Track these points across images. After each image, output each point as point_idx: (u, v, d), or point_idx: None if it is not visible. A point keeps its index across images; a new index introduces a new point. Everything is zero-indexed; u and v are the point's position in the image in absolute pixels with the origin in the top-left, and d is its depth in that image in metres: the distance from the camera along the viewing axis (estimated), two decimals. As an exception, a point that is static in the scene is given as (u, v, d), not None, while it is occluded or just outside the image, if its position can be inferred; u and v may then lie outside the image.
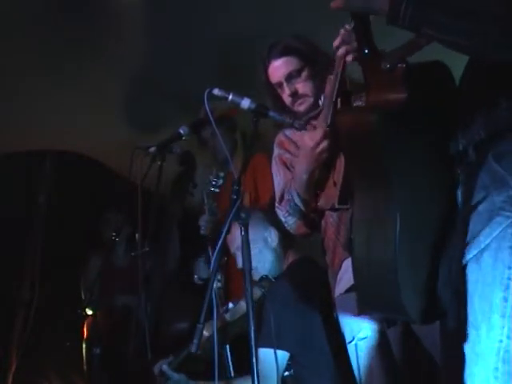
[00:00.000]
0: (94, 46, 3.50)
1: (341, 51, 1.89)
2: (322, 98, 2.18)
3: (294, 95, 2.22)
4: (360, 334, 2.08)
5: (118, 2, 3.31)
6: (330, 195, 1.97)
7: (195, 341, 1.76)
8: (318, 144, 1.99)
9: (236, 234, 2.62)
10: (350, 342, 2.12)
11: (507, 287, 1.40)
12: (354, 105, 1.94)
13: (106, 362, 3.55)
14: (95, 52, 3.54)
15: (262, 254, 2.65)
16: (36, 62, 3.57)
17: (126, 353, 3.01)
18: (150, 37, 3.48)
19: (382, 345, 2.05)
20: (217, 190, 3.05)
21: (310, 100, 2.24)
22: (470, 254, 1.45)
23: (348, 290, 2.05)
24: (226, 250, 2.70)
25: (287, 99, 2.25)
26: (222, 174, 3.05)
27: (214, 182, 3.04)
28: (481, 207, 1.45)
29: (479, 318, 1.42)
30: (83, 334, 3.77)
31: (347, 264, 2.04)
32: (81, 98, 3.88)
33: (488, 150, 1.47)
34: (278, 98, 2.29)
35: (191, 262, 3.40)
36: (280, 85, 2.26)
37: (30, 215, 4.63)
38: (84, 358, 3.76)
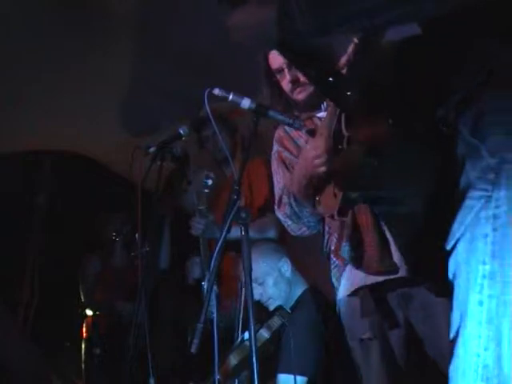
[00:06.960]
0: (94, 47, 3.50)
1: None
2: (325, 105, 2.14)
3: (295, 82, 2.14)
4: (363, 336, 2.07)
5: (118, 2, 3.32)
6: (330, 205, 1.91)
7: (195, 341, 1.75)
8: (318, 156, 1.91)
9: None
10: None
11: (482, 287, 1.18)
12: None
13: (106, 361, 3.56)
14: (95, 52, 3.54)
15: (278, 284, 2.77)
16: (36, 63, 3.57)
17: (126, 353, 3.01)
18: (150, 37, 3.48)
19: (385, 347, 2.04)
20: (207, 191, 3.02)
21: (310, 88, 2.15)
22: (449, 244, 1.24)
23: (351, 294, 2.05)
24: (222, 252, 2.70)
25: (287, 86, 2.18)
26: (212, 175, 3.02)
27: (204, 183, 3.01)
28: (460, 184, 1.24)
29: (453, 326, 1.23)
30: (83, 334, 3.77)
31: (349, 269, 2.03)
32: (81, 98, 3.88)
33: (464, 117, 1.29)
34: (277, 85, 2.21)
35: (185, 262, 3.40)
36: (281, 70, 2.18)
37: (30, 215, 4.63)
38: (84, 358, 3.76)
